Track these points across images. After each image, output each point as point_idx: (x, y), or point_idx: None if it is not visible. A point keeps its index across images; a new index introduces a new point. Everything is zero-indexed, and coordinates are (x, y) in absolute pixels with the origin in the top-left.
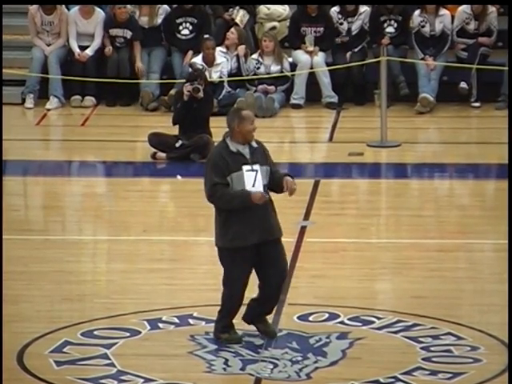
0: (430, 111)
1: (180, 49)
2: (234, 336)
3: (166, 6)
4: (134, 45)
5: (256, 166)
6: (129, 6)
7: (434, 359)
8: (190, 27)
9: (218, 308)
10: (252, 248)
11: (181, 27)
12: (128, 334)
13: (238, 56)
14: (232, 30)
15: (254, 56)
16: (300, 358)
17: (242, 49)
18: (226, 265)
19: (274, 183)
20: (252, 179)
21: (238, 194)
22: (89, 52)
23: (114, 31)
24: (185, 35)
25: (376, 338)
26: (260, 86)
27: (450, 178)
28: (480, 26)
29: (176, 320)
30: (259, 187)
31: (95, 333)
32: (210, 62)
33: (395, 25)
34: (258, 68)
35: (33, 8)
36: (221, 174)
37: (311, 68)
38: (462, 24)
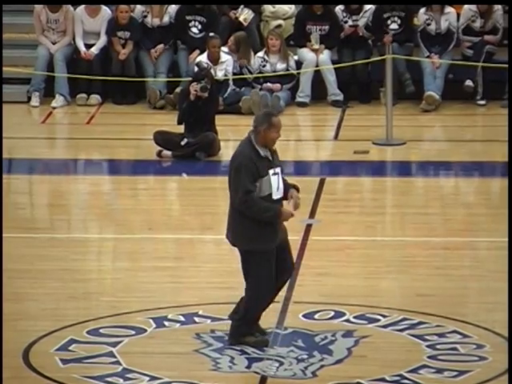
0: (436, 109)
1: (189, 46)
2: (260, 339)
3: (174, 6)
4: (127, 43)
5: (277, 169)
6: (139, 6)
7: (439, 357)
8: (199, 26)
9: (238, 314)
10: (274, 251)
11: (190, 24)
12: (133, 332)
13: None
14: (231, 38)
15: (260, 54)
16: (305, 356)
17: (242, 62)
18: (254, 268)
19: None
20: (276, 183)
21: (270, 209)
22: (94, 50)
23: (117, 33)
24: (194, 33)
25: (381, 336)
26: (265, 85)
27: (455, 176)
28: (486, 24)
29: (181, 318)
30: (281, 190)
31: (101, 331)
32: (215, 60)
33: (399, 21)
34: (264, 66)
35: (38, 6)
36: (252, 180)
37: (317, 66)
38: (468, 22)
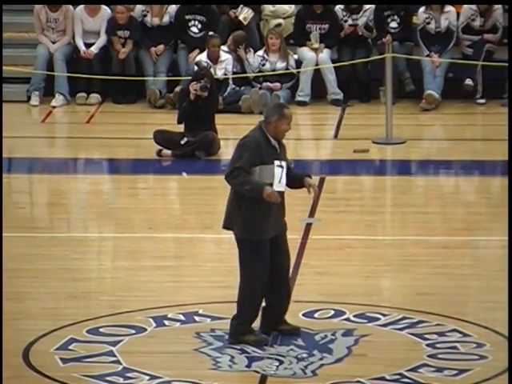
0: (436, 108)
1: (189, 45)
2: (260, 337)
3: (174, 6)
4: (126, 42)
5: (283, 163)
6: (139, 6)
7: (439, 356)
8: (199, 25)
9: (234, 313)
10: (268, 243)
11: (190, 24)
12: (133, 332)
13: (240, 59)
14: (230, 37)
15: (260, 53)
16: (305, 355)
17: (242, 53)
18: (248, 258)
19: (291, 179)
20: (279, 175)
21: (253, 182)
22: (94, 49)
23: (117, 32)
24: (194, 33)
25: (381, 334)
26: (264, 84)
27: (455, 174)
28: (485, 23)
29: (181, 317)
30: (283, 184)
31: (101, 330)
32: (214, 59)
33: (398, 20)
34: (264, 65)
35: (38, 5)
36: (251, 162)
37: (316, 65)
38: (468, 21)
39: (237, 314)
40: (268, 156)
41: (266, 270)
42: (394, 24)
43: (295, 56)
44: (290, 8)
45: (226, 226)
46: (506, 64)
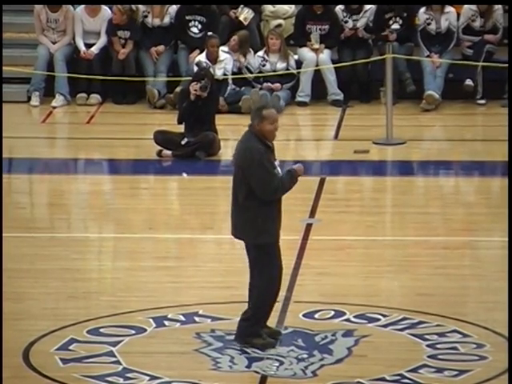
0: (436, 108)
1: (189, 46)
2: (268, 341)
3: (174, 6)
4: (127, 43)
5: (277, 162)
6: (141, 6)
7: (439, 357)
8: (199, 26)
9: (238, 313)
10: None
11: (190, 24)
12: (133, 332)
13: (239, 60)
14: (234, 36)
15: (260, 53)
16: (306, 356)
17: (241, 58)
18: (268, 260)
19: None
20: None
21: (282, 179)
22: (94, 50)
23: (117, 33)
24: (194, 33)
25: (382, 335)
26: (265, 84)
27: (455, 175)
28: (486, 24)
29: (182, 318)
30: None
31: (101, 330)
32: (213, 59)
33: (400, 21)
34: (264, 65)
35: (38, 5)
36: (273, 168)
37: (317, 65)
38: (468, 21)
39: (248, 316)
40: (273, 160)
41: (281, 272)
42: (395, 26)
43: (295, 56)
44: (290, 8)
45: (238, 236)
46: (506, 65)
